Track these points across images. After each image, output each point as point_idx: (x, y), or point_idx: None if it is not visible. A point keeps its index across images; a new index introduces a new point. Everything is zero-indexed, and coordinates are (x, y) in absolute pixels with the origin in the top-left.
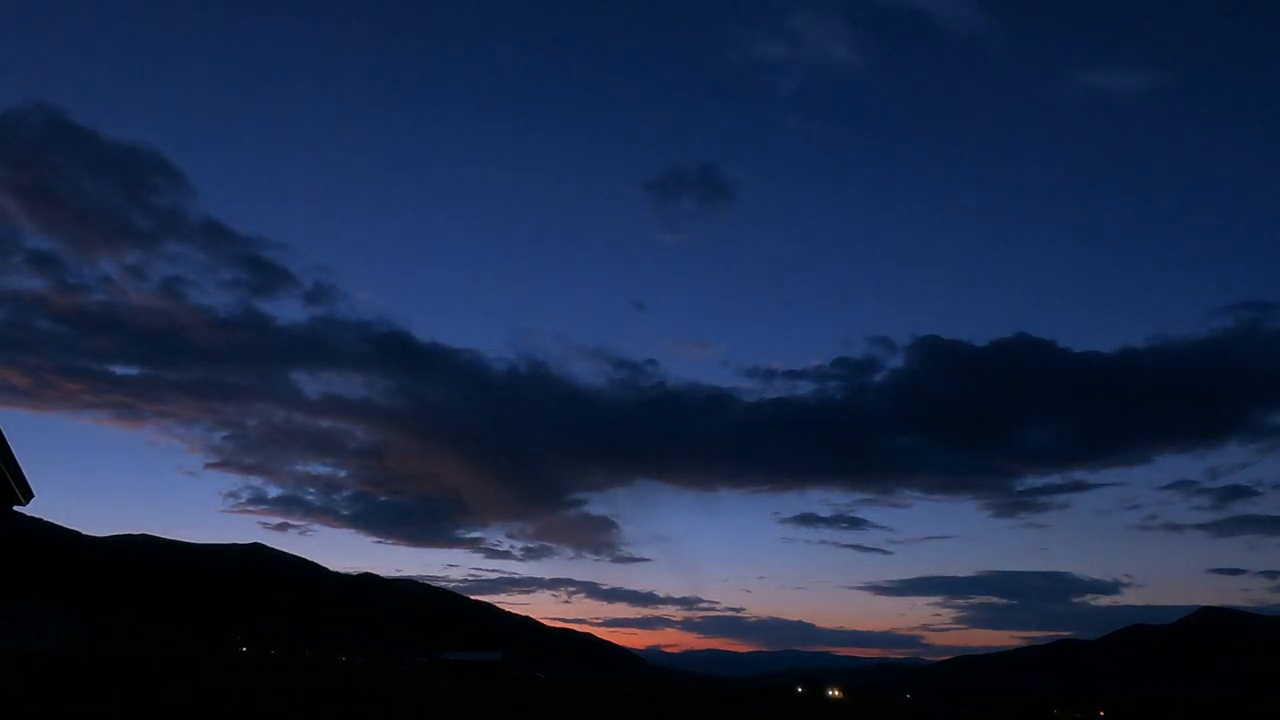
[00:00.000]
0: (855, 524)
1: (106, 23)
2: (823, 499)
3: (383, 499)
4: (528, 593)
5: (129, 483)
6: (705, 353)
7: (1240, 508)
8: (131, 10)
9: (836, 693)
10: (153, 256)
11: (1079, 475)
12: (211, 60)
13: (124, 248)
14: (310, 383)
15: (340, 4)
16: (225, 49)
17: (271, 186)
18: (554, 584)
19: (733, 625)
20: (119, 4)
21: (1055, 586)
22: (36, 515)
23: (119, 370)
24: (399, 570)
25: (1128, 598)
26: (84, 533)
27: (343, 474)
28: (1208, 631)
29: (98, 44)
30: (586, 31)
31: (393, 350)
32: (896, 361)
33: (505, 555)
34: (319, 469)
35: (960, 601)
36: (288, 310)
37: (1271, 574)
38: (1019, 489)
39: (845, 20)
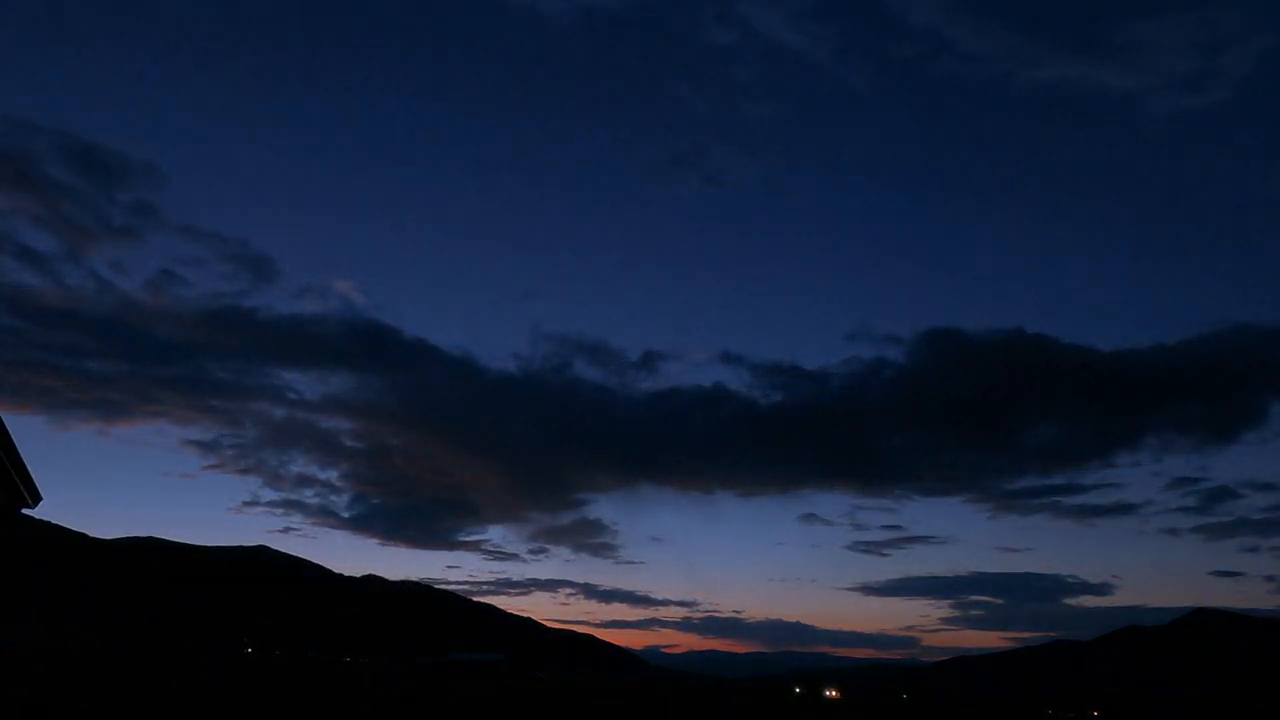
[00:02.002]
0: (853, 525)
1: (79, 23)
2: (821, 499)
3: (385, 501)
4: (528, 594)
5: (124, 483)
6: (704, 352)
7: (1235, 509)
8: (103, 10)
9: (834, 693)
10: (134, 253)
11: (1074, 475)
12: (192, 54)
13: (107, 245)
14: (307, 382)
15: None
16: (206, 45)
17: (256, 182)
18: (554, 585)
19: (731, 626)
20: (92, 4)
21: (1050, 587)
22: (45, 518)
23: (106, 369)
24: (402, 572)
25: (1121, 598)
26: (91, 535)
27: (345, 476)
28: (1202, 633)
29: (73, 43)
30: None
31: (386, 348)
32: (894, 361)
33: (506, 557)
34: (320, 472)
35: (956, 602)
36: (277, 307)
37: (1267, 575)
38: (1015, 489)
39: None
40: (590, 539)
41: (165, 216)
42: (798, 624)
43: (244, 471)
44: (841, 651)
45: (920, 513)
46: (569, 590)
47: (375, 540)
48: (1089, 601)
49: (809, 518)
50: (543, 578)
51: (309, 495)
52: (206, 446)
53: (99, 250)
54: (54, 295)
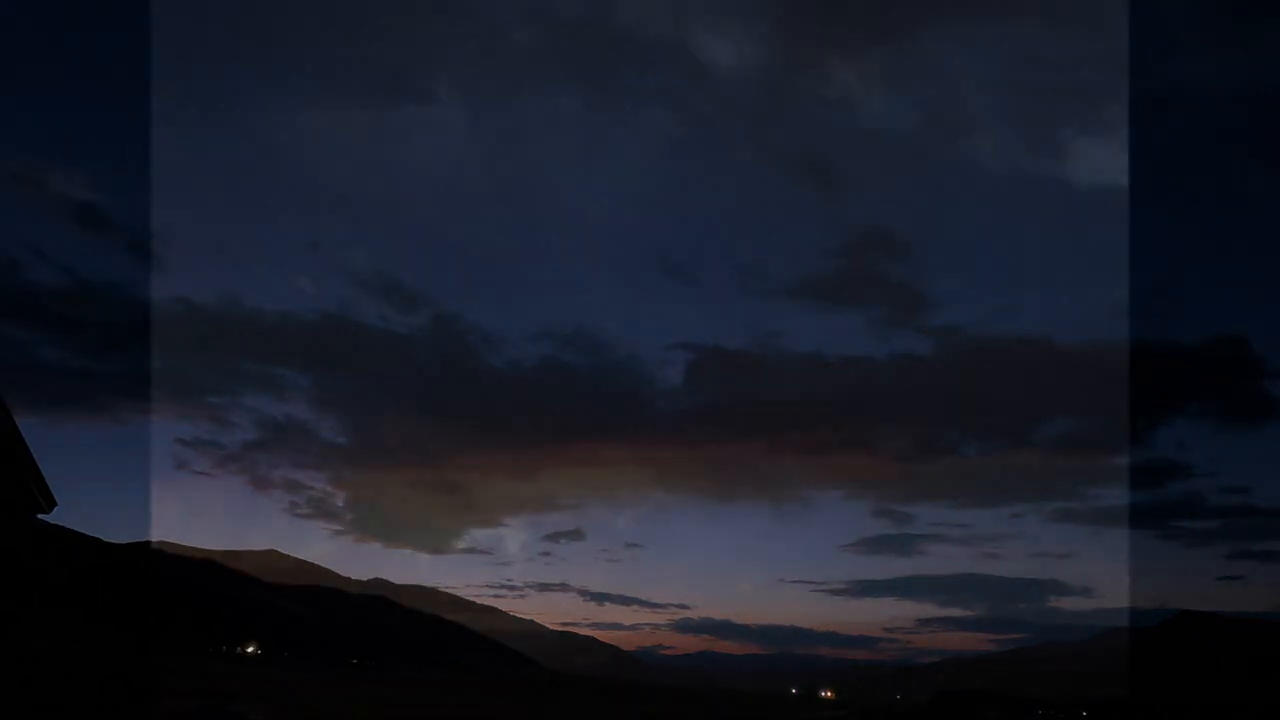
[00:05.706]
0: (851, 526)
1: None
2: (819, 501)
3: (389, 506)
4: (529, 597)
5: (121, 485)
6: (702, 350)
7: (1227, 511)
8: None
9: (829, 694)
10: (110, 249)
11: (1070, 477)
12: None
13: (86, 239)
14: (307, 382)
15: None
16: (196, 42)
17: (245, 179)
18: (554, 587)
19: (728, 627)
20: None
21: (1041, 589)
22: (57, 522)
23: (95, 368)
24: (407, 576)
25: (1110, 600)
26: (105, 539)
27: (347, 481)
28: (1191, 634)
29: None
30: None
31: (384, 346)
32: (893, 362)
33: (508, 560)
34: (321, 476)
35: (950, 603)
36: (272, 304)
37: (1257, 579)
38: (1010, 490)
39: None
40: (590, 542)
41: (140, 211)
42: (794, 625)
43: (239, 473)
44: (836, 653)
45: (917, 514)
46: (570, 592)
47: (380, 544)
48: (1080, 603)
49: (805, 519)
50: (546, 580)
51: (311, 498)
52: (204, 447)
53: (76, 244)
54: (33, 293)
